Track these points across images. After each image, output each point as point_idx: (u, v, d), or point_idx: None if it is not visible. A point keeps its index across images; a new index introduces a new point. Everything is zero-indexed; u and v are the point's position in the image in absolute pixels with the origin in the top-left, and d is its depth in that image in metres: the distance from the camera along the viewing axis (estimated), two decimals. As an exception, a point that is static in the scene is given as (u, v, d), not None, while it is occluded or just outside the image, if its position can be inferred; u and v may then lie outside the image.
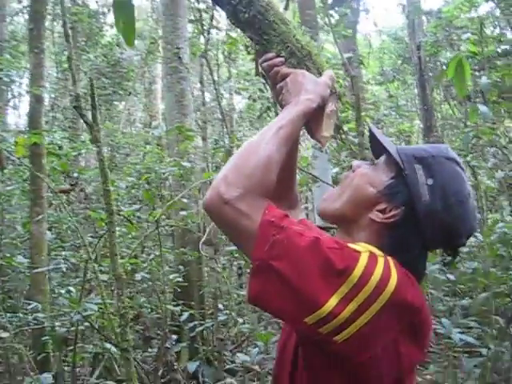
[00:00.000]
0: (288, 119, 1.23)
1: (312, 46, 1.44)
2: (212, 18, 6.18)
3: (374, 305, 1.07)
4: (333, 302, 1.04)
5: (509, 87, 6.31)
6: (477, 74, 7.96)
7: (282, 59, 1.38)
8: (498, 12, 11.69)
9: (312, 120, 1.34)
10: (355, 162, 1.38)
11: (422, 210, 1.21)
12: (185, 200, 4.69)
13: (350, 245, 1.14)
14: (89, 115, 3.11)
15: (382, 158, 1.33)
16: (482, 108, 3.92)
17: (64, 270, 5.38)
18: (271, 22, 1.38)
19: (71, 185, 5.97)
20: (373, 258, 1.11)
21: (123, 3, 1.63)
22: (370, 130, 1.40)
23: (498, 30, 12.38)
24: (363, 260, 1.09)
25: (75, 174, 5.14)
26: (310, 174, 3.75)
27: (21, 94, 13.71)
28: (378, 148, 1.36)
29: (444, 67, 11.35)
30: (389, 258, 1.15)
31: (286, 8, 4.61)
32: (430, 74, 10.95)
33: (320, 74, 1.39)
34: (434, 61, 11.58)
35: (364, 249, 1.13)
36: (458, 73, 3.52)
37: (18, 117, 17.74)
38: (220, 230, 1.26)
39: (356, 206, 1.29)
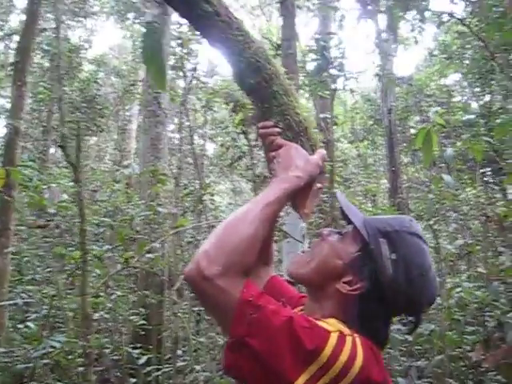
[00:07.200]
0: (275, 197, 1.28)
1: (310, 121, 1.50)
2: (195, 69, 6.34)
3: (341, 383, 1.13)
4: (301, 380, 1.10)
5: (472, 157, 6.61)
6: (443, 141, 8.30)
7: (278, 130, 1.43)
8: (465, 82, 12.31)
9: (298, 196, 1.38)
10: (324, 231, 1.42)
11: (386, 284, 1.27)
12: (157, 245, 4.74)
13: (321, 323, 1.20)
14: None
15: (350, 229, 1.38)
16: (446, 177, 4.12)
17: (21, 304, 5.30)
18: (274, 91, 1.43)
19: (47, 221, 5.96)
20: (341, 338, 1.17)
21: (153, 49, 1.68)
22: (339, 202, 1.46)
23: (464, 99, 12.99)
24: (332, 340, 1.15)
25: (52, 210, 5.14)
26: (281, 230, 3.87)
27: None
28: (347, 216, 1.41)
29: (412, 131, 11.79)
30: (355, 335, 1.21)
31: (275, 56, 4.77)
32: (399, 136, 11.33)
33: (313, 151, 1.43)
34: (403, 125, 12.01)
35: (334, 328, 1.19)
36: (425, 143, 3.72)
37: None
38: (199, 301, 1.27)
39: (323, 275, 1.34)
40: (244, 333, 1.12)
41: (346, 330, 1.22)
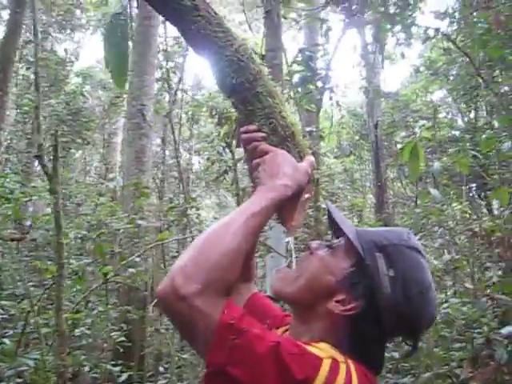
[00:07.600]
0: (261, 207, 1.14)
1: (297, 126, 1.36)
2: (180, 80, 6.29)
3: None
4: None
5: (458, 172, 6.60)
6: (429, 157, 8.30)
7: (263, 135, 1.29)
8: (450, 99, 12.39)
9: (285, 207, 1.24)
10: (313, 244, 1.28)
11: (382, 303, 1.14)
12: (137, 259, 4.64)
13: (312, 349, 1.08)
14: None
15: (342, 242, 1.25)
16: (434, 191, 4.08)
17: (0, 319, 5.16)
18: (258, 93, 1.30)
19: (23, 233, 5.82)
20: (335, 365, 1.05)
21: (116, 41, 1.57)
22: (328, 211, 1.33)
23: (450, 116, 13.09)
24: (324, 369, 1.03)
25: (28, 222, 4.98)
26: (265, 244, 3.79)
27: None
28: (337, 228, 1.27)
29: (399, 146, 11.82)
30: (349, 361, 1.10)
31: (262, 58, 4.72)
32: (385, 152, 11.35)
33: (301, 158, 1.30)
34: (389, 140, 12.04)
35: (326, 355, 1.07)
36: (412, 157, 3.68)
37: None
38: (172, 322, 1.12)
39: (313, 293, 1.20)
40: (225, 360, 0.99)
41: (339, 356, 1.10)
